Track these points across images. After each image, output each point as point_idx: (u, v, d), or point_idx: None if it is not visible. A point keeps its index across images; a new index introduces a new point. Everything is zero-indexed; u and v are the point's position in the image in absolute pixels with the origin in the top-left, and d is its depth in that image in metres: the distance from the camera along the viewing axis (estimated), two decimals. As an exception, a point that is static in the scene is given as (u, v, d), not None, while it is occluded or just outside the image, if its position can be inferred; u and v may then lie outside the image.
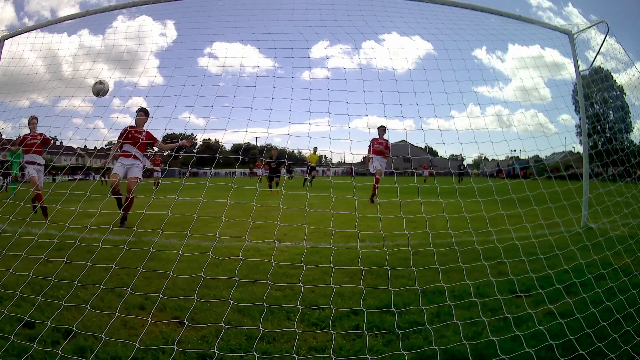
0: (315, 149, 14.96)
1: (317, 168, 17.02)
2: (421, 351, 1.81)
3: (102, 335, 1.85)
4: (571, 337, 1.87)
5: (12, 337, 1.84)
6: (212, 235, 3.57)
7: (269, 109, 2.94)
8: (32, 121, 6.53)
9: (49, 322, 2.01)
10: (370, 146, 9.16)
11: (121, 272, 2.99)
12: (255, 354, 1.77)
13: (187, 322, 2.04)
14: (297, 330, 1.96)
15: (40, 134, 6.46)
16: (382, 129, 9.11)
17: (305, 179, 16.29)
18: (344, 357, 1.79)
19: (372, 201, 8.17)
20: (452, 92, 3.58)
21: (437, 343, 1.86)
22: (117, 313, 2.05)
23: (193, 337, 1.94)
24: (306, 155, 17.08)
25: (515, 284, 2.54)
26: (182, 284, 2.68)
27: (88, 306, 2.12)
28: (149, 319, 2.04)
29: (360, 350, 1.82)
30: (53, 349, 1.78)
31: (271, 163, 13.89)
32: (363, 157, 9.24)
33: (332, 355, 1.77)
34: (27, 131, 6.49)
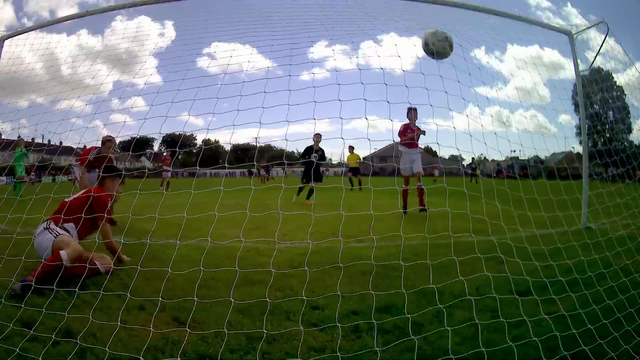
0: (352, 148, 12.36)
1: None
2: (420, 351, 1.81)
3: (102, 336, 1.85)
4: (572, 338, 1.87)
5: (11, 338, 1.84)
6: (212, 236, 3.56)
7: (265, 107, 2.92)
8: (108, 144, 5.23)
9: (48, 323, 2.00)
10: (401, 135, 6.82)
11: (121, 272, 2.99)
12: (255, 354, 1.77)
13: (187, 324, 2.04)
14: (300, 329, 1.96)
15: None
16: (414, 112, 6.75)
17: (352, 182, 13.22)
18: (344, 357, 1.79)
19: (425, 208, 6.23)
20: (451, 92, 3.57)
21: (436, 343, 1.85)
22: (118, 315, 2.04)
23: (193, 338, 1.94)
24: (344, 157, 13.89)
25: (515, 284, 2.54)
26: (181, 284, 2.67)
27: (87, 306, 2.11)
28: (149, 320, 2.04)
29: (359, 350, 1.82)
30: (53, 349, 1.78)
31: (311, 154, 8.93)
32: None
33: (331, 356, 1.76)
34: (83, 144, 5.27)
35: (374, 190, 2.68)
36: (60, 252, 2.71)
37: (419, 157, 6.81)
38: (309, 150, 8.97)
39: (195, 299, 2.21)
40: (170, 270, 2.31)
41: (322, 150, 9.12)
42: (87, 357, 1.74)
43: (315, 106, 2.84)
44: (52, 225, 3.03)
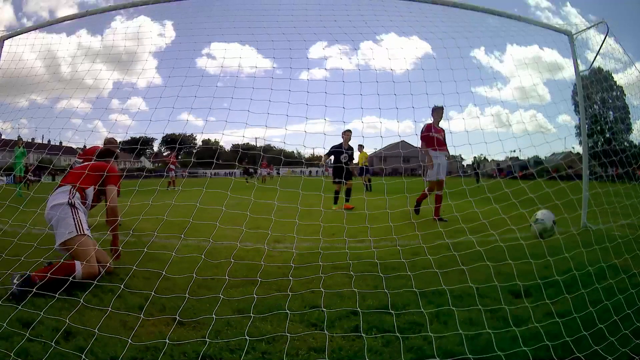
0: (361, 146, 11.25)
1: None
2: (420, 351, 1.81)
3: (102, 336, 1.85)
4: (570, 338, 1.87)
5: (11, 337, 1.84)
6: (213, 236, 3.57)
7: (267, 110, 2.94)
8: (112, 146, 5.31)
9: (48, 323, 2.01)
10: (424, 137, 6.16)
11: (120, 273, 2.99)
12: (255, 354, 1.77)
13: (186, 323, 2.04)
14: (297, 331, 1.97)
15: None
16: (439, 111, 6.13)
17: (366, 185, 11.53)
18: (344, 358, 1.79)
19: (417, 211, 6.10)
20: (450, 92, 3.59)
21: (436, 343, 1.86)
22: (113, 311, 2.05)
23: (192, 338, 1.94)
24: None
25: (515, 285, 2.54)
26: (181, 284, 2.67)
27: (84, 303, 2.11)
28: (149, 319, 2.04)
29: (359, 350, 1.82)
30: (52, 350, 1.78)
31: (341, 154, 7.93)
32: (427, 163, 6.20)
33: (331, 356, 1.77)
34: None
35: (374, 191, 2.67)
36: (75, 264, 2.66)
37: (445, 162, 6.29)
38: (338, 149, 7.81)
39: (188, 297, 2.21)
40: (170, 275, 2.32)
41: (353, 150, 8.12)
42: (87, 356, 1.74)
43: (307, 112, 2.85)
44: (77, 200, 2.94)
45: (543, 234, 3.43)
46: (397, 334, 1.94)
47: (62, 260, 2.71)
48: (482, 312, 2.20)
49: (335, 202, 7.97)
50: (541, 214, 3.41)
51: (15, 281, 2.41)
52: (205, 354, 1.78)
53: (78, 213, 2.91)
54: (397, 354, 1.78)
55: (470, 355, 1.75)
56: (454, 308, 2.20)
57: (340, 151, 7.88)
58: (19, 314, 2.08)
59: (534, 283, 2.51)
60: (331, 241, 3.99)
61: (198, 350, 1.81)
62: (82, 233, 2.84)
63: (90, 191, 3.06)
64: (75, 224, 2.84)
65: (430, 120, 6.31)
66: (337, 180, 8.02)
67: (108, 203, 3.10)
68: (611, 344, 1.84)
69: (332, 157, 8.15)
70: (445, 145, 6.26)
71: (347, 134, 7.80)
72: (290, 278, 2.76)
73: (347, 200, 7.86)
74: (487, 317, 2.15)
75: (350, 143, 8.23)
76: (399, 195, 4.27)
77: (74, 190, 2.98)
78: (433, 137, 6.04)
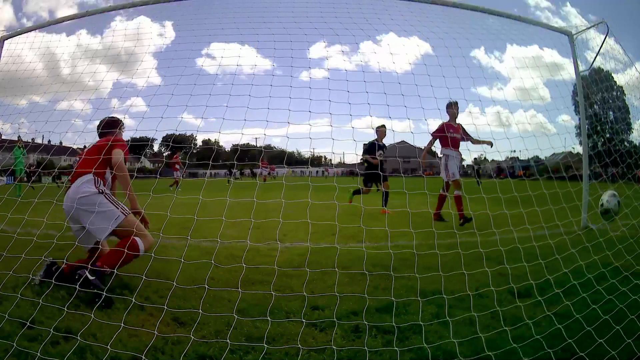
0: None
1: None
2: (420, 352, 1.81)
3: (102, 336, 1.85)
4: (571, 338, 1.87)
5: (11, 337, 1.84)
6: (213, 236, 3.57)
7: (267, 108, 2.93)
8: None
9: (48, 323, 2.00)
10: (437, 136, 5.86)
11: (121, 272, 2.98)
12: (255, 354, 1.77)
13: (186, 323, 2.04)
14: (297, 331, 1.96)
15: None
16: (454, 108, 5.87)
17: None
18: (344, 358, 1.79)
19: (443, 218, 5.75)
20: (451, 92, 3.58)
21: (436, 344, 1.85)
22: (118, 315, 2.04)
23: (192, 338, 1.94)
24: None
25: (515, 285, 2.54)
26: (182, 284, 2.67)
27: (87, 305, 2.11)
28: (149, 320, 2.04)
29: (359, 350, 1.82)
30: (52, 349, 1.78)
31: (377, 150, 7.24)
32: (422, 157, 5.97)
33: (331, 356, 1.76)
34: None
35: (374, 192, 2.66)
36: (137, 240, 2.68)
37: (460, 162, 6.05)
38: (373, 146, 7.16)
39: (201, 311, 2.21)
40: (175, 284, 2.31)
41: (386, 147, 7.45)
42: (87, 356, 1.74)
43: (310, 111, 2.85)
44: (103, 186, 2.85)
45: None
46: (397, 334, 1.94)
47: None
48: (483, 312, 2.20)
49: (353, 195, 7.45)
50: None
51: (89, 275, 2.41)
52: (205, 354, 1.78)
53: (110, 197, 2.87)
54: (397, 354, 1.77)
55: (470, 356, 1.75)
56: (454, 309, 2.20)
57: (378, 146, 7.24)
58: (18, 314, 2.08)
59: (535, 283, 2.51)
60: (331, 241, 3.99)
61: (198, 350, 1.81)
62: (128, 212, 2.83)
63: (108, 175, 3.00)
64: (116, 207, 2.81)
65: (444, 120, 6.06)
66: (370, 184, 7.40)
67: (113, 162, 2.89)
68: (612, 345, 1.83)
69: (367, 156, 7.34)
70: (469, 138, 5.99)
71: (382, 129, 7.08)
72: (291, 278, 2.75)
73: (385, 205, 7.01)
74: (488, 318, 2.15)
75: (353, 142, 7.92)
76: (398, 194, 4.26)
77: (98, 179, 2.89)
78: (447, 136, 5.78)
